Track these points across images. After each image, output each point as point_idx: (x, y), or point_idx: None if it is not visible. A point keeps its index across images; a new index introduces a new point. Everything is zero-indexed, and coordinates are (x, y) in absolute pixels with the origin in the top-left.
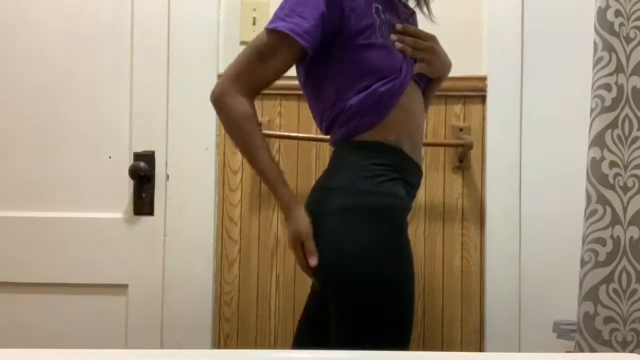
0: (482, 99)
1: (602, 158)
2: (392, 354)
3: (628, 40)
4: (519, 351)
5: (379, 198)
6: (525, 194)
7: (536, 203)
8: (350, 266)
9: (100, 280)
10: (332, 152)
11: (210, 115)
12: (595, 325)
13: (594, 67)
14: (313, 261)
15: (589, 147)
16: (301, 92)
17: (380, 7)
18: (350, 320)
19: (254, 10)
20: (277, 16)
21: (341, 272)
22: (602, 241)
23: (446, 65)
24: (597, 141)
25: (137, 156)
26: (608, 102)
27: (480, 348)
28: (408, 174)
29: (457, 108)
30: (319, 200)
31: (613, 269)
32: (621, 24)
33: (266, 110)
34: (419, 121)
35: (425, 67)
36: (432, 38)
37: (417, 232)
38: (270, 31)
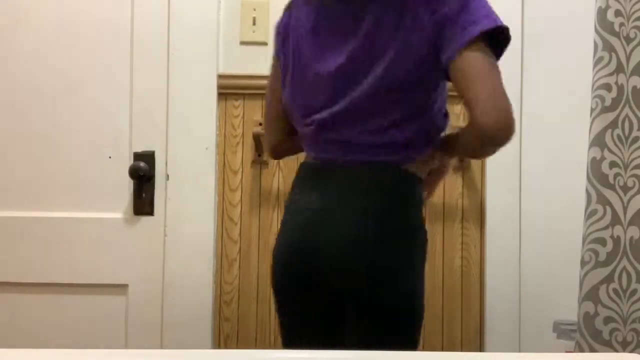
0: None
1: (602, 158)
2: (392, 354)
3: (628, 40)
4: (519, 351)
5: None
6: (525, 194)
7: (536, 203)
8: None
9: (100, 280)
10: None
11: (210, 115)
12: (596, 325)
13: (594, 67)
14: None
15: (589, 147)
16: None
17: None
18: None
19: (254, 10)
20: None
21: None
22: (602, 241)
23: None
24: (597, 141)
25: (137, 156)
26: (608, 102)
27: (480, 348)
28: None
29: (457, 108)
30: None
31: (613, 269)
32: (621, 24)
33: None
34: None
35: None
36: None
37: None
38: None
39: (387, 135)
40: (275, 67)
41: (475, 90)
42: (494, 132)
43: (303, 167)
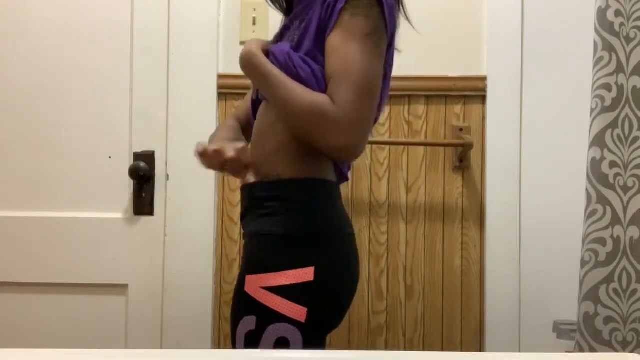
0: (482, 99)
1: (602, 158)
2: (392, 354)
3: (628, 40)
4: (519, 351)
5: None
6: (525, 194)
7: (536, 203)
8: None
9: (100, 280)
10: None
11: (210, 115)
12: (596, 325)
13: (594, 67)
14: None
15: (589, 147)
16: None
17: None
18: None
19: (254, 10)
20: None
21: None
22: (602, 241)
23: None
24: (597, 141)
25: (137, 156)
26: (608, 102)
27: (480, 348)
28: None
29: (457, 108)
30: None
31: (613, 269)
32: (621, 24)
33: None
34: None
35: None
36: None
37: (417, 232)
38: None
39: None
40: (383, 53)
41: None
42: None
43: (335, 186)
